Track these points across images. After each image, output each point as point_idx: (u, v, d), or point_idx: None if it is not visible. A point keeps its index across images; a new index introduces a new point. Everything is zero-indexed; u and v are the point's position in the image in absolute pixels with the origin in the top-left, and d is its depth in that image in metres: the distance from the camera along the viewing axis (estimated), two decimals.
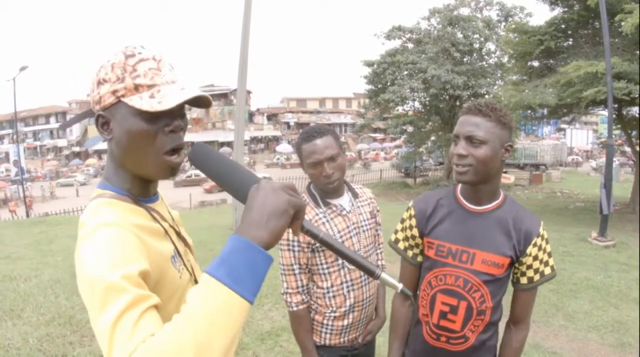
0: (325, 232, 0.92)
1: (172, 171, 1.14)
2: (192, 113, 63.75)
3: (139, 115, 1.07)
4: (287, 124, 68.94)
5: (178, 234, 1.29)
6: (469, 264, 1.78)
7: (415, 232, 1.94)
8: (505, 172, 24.07)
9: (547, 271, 1.82)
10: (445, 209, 1.87)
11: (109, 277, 0.88)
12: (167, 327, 0.79)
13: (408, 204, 2.01)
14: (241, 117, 11.45)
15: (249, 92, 60.88)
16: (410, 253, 1.98)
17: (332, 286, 2.20)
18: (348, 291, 2.21)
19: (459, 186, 1.89)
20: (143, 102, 1.06)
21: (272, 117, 70.60)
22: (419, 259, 1.97)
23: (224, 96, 63.63)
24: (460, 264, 1.80)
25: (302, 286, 2.21)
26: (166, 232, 1.20)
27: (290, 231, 0.96)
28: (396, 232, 2.04)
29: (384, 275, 0.98)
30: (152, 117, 1.07)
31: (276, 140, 65.63)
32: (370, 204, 2.40)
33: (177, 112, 1.11)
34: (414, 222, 1.94)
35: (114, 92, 1.08)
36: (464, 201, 1.84)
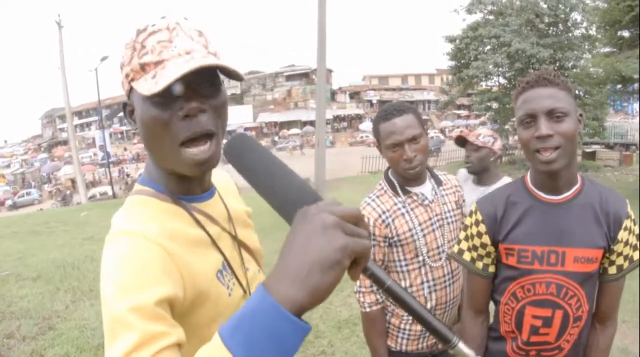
0: (393, 281, 0.71)
1: (195, 166, 0.93)
2: (275, 93, 64.91)
3: (148, 100, 0.89)
4: (370, 101, 68.31)
5: (234, 238, 1.09)
6: (560, 266, 1.54)
7: (485, 239, 1.66)
8: (594, 152, 22.58)
9: (636, 255, 1.59)
10: (520, 206, 1.60)
11: (115, 307, 0.77)
12: None
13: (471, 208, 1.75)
14: (322, 96, 11.42)
15: (330, 71, 60.83)
16: (479, 265, 1.70)
17: (411, 286, 2.00)
18: (429, 292, 2.00)
19: (528, 175, 1.63)
20: (145, 84, 0.88)
21: (354, 95, 70.10)
22: (491, 270, 1.70)
23: (305, 76, 64.18)
24: (549, 267, 1.55)
25: (374, 287, 2.01)
26: (213, 240, 1.00)
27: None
28: (459, 242, 1.77)
29: (461, 345, 0.74)
30: (162, 102, 0.88)
31: (359, 118, 65.19)
32: (456, 193, 2.15)
33: (197, 91, 0.90)
34: (482, 228, 1.66)
35: (127, 76, 0.93)
36: (540, 193, 1.58)
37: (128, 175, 37.01)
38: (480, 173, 3.10)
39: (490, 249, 1.67)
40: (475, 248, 1.70)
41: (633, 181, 16.45)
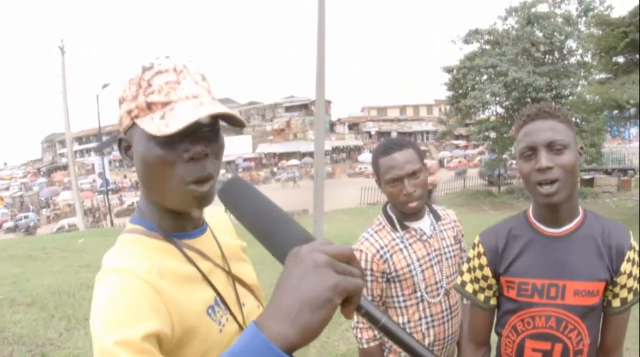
0: (388, 318, 0.72)
1: (198, 202, 0.96)
2: (274, 124, 65.43)
3: (152, 140, 0.91)
4: (368, 133, 68.83)
5: (228, 274, 1.10)
6: (560, 300, 1.53)
7: (487, 272, 1.67)
8: (592, 179, 22.64)
9: None
10: (521, 240, 1.61)
11: (103, 339, 0.78)
12: None
13: (476, 238, 1.75)
14: (321, 127, 11.46)
15: (328, 102, 61.55)
16: (481, 297, 1.70)
17: (408, 322, 1.98)
18: (427, 328, 1.98)
19: (530, 209, 1.64)
20: (152, 124, 0.89)
21: (353, 126, 70.77)
22: (492, 302, 1.70)
23: (304, 107, 64.92)
24: (549, 301, 1.54)
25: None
26: (204, 276, 1.00)
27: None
28: (462, 273, 1.77)
29: None
30: (168, 142, 0.90)
31: (358, 149, 65.61)
32: (455, 227, 2.15)
33: (203, 135, 0.93)
34: (484, 260, 1.67)
35: (129, 112, 0.94)
36: (541, 226, 1.59)
37: (98, 209, 36.84)
38: None
39: (492, 281, 1.68)
40: (477, 280, 1.70)
41: (632, 206, 16.47)
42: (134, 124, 0.94)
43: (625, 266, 1.52)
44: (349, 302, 0.67)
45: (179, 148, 0.91)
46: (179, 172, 0.92)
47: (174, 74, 0.94)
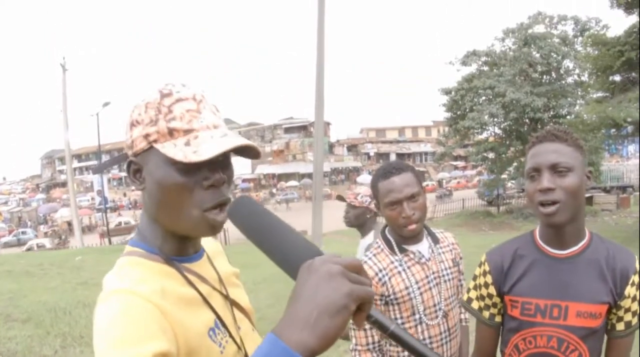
0: (398, 325, 0.76)
1: (213, 229, 0.99)
2: (273, 145, 65.58)
3: (172, 165, 0.93)
4: (367, 154, 69.04)
5: (226, 297, 1.12)
6: (562, 320, 1.55)
7: (492, 290, 1.70)
8: (591, 197, 22.64)
9: None
10: (526, 259, 1.64)
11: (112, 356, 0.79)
12: None
13: (483, 257, 1.78)
14: (320, 149, 11.53)
15: (327, 124, 61.85)
16: (486, 314, 1.73)
17: None
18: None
19: (537, 230, 1.67)
20: (177, 150, 0.91)
21: (352, 148, 71.01)
22: (497, 319, 1.72)
23: (303, 128, 65.08)
24: (551, 321, 1.56)
25: (373, 343, 1.99)
26: (204, 299, 1.02)
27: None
28: (468, 290, 1.80)
29: None
30: (187, 168, 0.93)
31: (356, 171, 65.62)
32: (453, 250, 2.17)
33: (218, 163, 0.96)
34: (489, 279, 1.70)
35: (146, 136, 0.96)
36: (547, 247, 1.61)
37: (66, 231, 36.66)
38: (357, 227, 3.42)
39: (497, 299, 1.70)
40: (482, 298, 1.73)
41: (632, 224, 16.45)
42: (150, 148, 0.96)
43: (629, 290, 1.54)
44: (361, 309, 0.69)
45: (198, 175, 0.94)
46: (198, 199, 0.95)
47: (194, 102, 0.97)
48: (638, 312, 1.56)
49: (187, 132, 0.94)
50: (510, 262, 1.66)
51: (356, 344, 2.01)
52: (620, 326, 1.57)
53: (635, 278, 1.54)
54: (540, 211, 1.51)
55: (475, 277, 1.76)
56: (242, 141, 0.94)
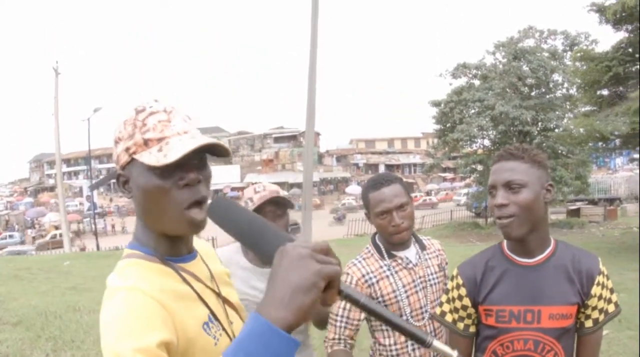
0: (367, 297, 0.84)
1: (194, 226, 1.08)
2: (263, 154, 65.50)
3: (151, 171, 1.03)
4: (356, 165, 69.21)
5: (218, 295, 1.21)
6: (536, 323, 1.65)
7: (466, 302, 1.78)
8: (578, 209, 22.90)
9: (611, 308, 1.72)
10: (497, 270, 1.73)
11: (120, 349, 0.86)
12: None
13: (454, 273, 1.86)
14: (309, 159, 11.51)
15: (317, 134, 61.95)
16: (461, 325, 1.81)
17: (395, 344, 2.10)
18: (413, 349, 2.09)
19: (505, 241, 1.77)
20: (151, 157, 1.02)
21: (341, 158, 71.19)
22: (472, 329, 1.82)
23: (293, 138, 65.21)
24: (526, 325, 1.66)
25: (340, 339, 2.08)
26: (198, 295, 1.11)
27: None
28: (441, 304, 1.88)
29: (436, 342, 0.86)
30: (164, 172, 1.03)
31: (345, 181, 65.78)
32: (439, 256, 2.29)
33: (193, 164, 1.06)
34: (463, 291, 1.79)
35: (127, 149, 1.07)
36: (515, 257, 1.72)
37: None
38: None
39: (471, 310, 1.79)
40: (456, 310, 1.82)
41: (619, 235, 16.66)
42: (132, 160, 1.06)
43: (595, 289, 1.66)
44: (331, 286, 0.79)
45: (174, 177, 1.03)
46: (176, 198, 1.04)
47: (165, 114, 1.08)
48: (604, 309, 1.69)
49: (160, 140, 1.04)
50: (483, 273, 1.76)
51: (326, 337, 2.11)
52: (588, 323, 1.70)
53: (599, 278, 1.67)
54: (498, 224, 1.65)
55: (447, 291, 1.86)
56: (208, 140, 1.04)
